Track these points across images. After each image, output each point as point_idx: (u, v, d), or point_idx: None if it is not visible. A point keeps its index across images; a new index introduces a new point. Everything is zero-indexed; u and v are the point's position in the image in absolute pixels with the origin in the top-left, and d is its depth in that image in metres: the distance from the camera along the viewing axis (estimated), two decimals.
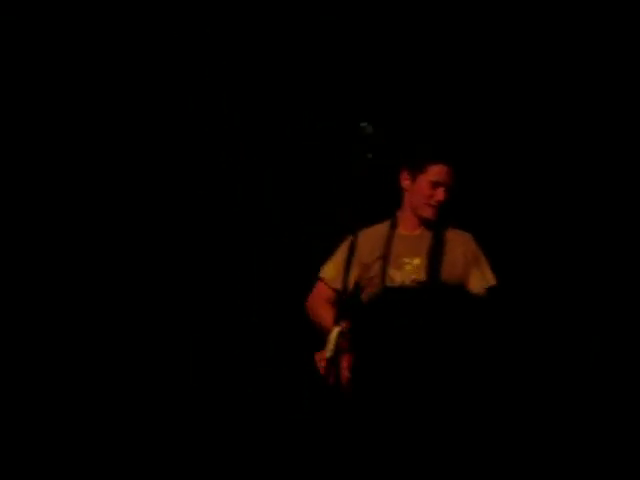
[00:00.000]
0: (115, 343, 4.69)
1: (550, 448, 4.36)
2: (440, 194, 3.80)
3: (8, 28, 4.64)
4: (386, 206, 3.97)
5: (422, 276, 3.74)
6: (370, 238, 3.88)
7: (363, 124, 3.37)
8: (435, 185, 3.80)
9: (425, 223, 3.86)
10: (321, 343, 3.45)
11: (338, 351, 3.37)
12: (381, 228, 3.94)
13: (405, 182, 3.88)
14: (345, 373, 3.59)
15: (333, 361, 3.37)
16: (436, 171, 3.80)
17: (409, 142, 4.13)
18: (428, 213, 3.82)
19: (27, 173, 4.68)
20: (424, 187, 3.81)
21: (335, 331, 3.35)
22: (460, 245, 3.84)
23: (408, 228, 3.88)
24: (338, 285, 3.67)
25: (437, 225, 3.86)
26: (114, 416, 4.64)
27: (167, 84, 4.78)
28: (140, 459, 4.60)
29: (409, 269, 3.78)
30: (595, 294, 4.49)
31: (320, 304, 3.93)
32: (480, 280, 3.82)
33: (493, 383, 3.87)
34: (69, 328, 4.67)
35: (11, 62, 4.66)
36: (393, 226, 3.90)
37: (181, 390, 4.71)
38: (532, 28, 4.54)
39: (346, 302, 3.52)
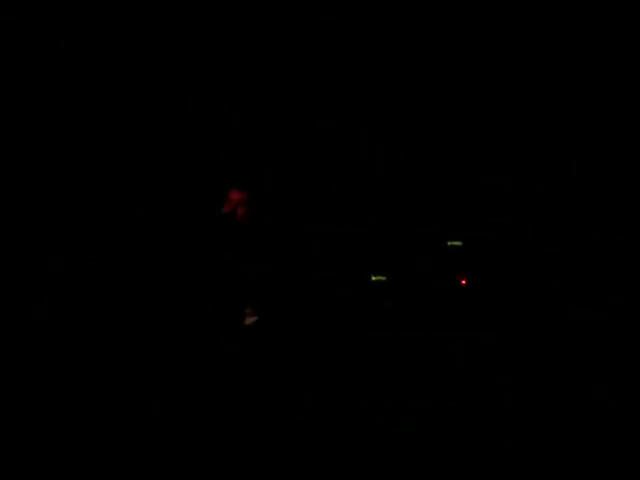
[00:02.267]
0: (113, 342, 4.70)
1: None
2: None
3: (8, 28, 4.65)
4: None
5: None
6: None
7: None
8: None
9: None
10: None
11: None
12: None
13: None
14: None
15: None
16: None
17: None
18: None
19: (26, 171, 4.69)
20: None
21: None
22: None
23: None
24: None
25: None
26: (112, 416, 4.65)
27: (168, 84, 4.79)
28: (139, 459, 4.60)
29: None
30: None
31: None
32: None
33: None
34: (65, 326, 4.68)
35: (11, 62, 4.67)
36: None
37: (179, 389, 4.72)
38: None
39: None
